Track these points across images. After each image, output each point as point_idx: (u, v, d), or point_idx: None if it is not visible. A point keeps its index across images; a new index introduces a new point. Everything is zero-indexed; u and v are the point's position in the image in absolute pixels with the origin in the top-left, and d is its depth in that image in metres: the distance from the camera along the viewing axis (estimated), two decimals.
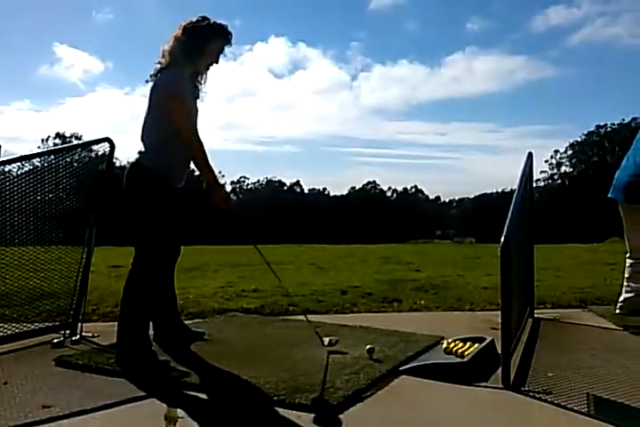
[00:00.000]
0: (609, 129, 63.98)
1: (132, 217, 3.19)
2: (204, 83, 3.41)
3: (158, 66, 3.23)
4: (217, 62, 3.36)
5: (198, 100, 3.39)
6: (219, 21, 3.28)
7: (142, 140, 3.25)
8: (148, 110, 3.23)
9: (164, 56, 3.22)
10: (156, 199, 3.14)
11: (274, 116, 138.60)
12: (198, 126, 3.42)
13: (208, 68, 3.37)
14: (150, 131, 3.23)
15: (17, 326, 3.58)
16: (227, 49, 3.35)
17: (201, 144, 3.19)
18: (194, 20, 3.24)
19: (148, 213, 3.16)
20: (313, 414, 2.42)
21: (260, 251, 3.46)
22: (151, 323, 3.38)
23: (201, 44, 3.21)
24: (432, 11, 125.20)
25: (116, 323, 3.20)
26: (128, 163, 3.32)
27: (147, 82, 3.23)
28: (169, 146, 3.15)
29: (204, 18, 3.25)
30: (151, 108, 3.21)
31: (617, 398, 2.62)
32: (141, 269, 3.16)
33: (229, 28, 3.31)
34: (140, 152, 3.25)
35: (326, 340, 3.40)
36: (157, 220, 3.15)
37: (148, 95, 3.23)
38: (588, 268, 7.89)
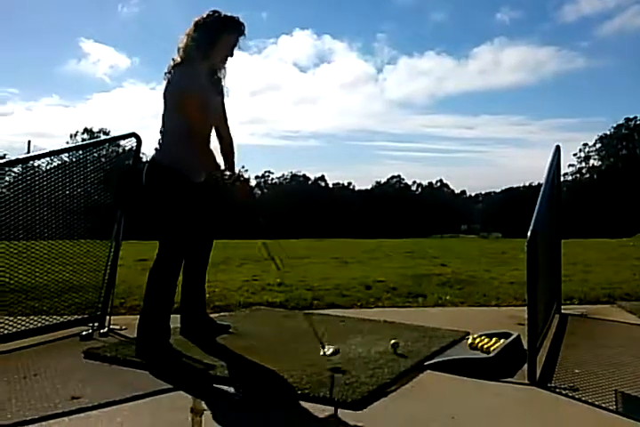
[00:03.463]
0: (638, 122, 62.72)
1: (153, 213, 3.25)
2: (224, 77, 3.43)
3: (172, 62, 3.25)
4: (231, 55, 3.34)
5: (222, 95, 3.42)
6: (229, 14, 3.26)
7: (160, 136, 3.30)
8: (164, 107, 3.27)
9: (178, 53, 3.25)
10: (174, 196, 3.19)
11: (298, 110, 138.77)
12: (228, 121, 3.47)
13: (225, 62, 3.37)
14: (165, 128, 3.26)
15: (46, 318, 3.63)
16: (241, 41, 3.33)
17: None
18: (204, 15, 3.24)
19: (166, 209, 3.22)
20: (338, 408, 2.43)
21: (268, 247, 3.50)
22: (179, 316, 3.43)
23: (213, 39, 3.21)
24: (461, 0, 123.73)
25: None
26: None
27: (163, 79, 3.26)
28: (183, 142, 3.18)
29: (215, 11, 3.25)
30: (166, 106, 3.25)
31: None
32: (162, 263, 3.20)
33: (241, 20, 3.29)
34: (155, 149, 3.30)
35: (329, 350, 3.14)
36: (176, 216, 3.19)
37: (162, 92, 3.26)
38: (616, 263, 7.76)
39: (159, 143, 3.28)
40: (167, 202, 3.21)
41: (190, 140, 3.17)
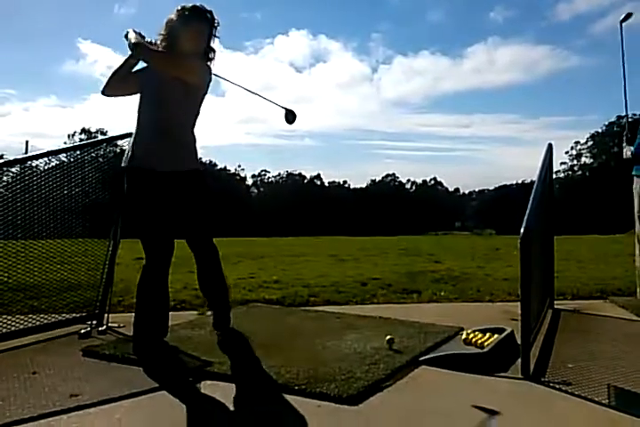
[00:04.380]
0: (630, 119, 62.72)
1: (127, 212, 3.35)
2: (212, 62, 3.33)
3: None
4: (208, 45, 3.25)
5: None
6: (193, 4, 3.17)
7: None
8: None
9: None
10: (133, 190, 3.21)
11: (294, 109, 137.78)
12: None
13: (206, 55, 3.28)
14: None
15: (45, 316, 3.64)
16: (220, 31, 3.26)
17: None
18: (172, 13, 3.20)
19: (129, 205, 3.28)
20: (333, 404, 2.46)
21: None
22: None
23: (176, 32, 3.15)
24: (455, 0, 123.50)
25: None
26: None
27: None
28: (137, 130, 3.26)
29: (180, 6, 3.17)
30: None
31: (638, 389, 2.61)
32: (145, 261, 3.22)
33: (205, 8, 3.18)
34: None
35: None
36: (138, 211, 3.21)
37: None
38: (608, 259, 7.83)
39: None
40: (128, 198, 3.24)
41: (142, 128, 3.23)
